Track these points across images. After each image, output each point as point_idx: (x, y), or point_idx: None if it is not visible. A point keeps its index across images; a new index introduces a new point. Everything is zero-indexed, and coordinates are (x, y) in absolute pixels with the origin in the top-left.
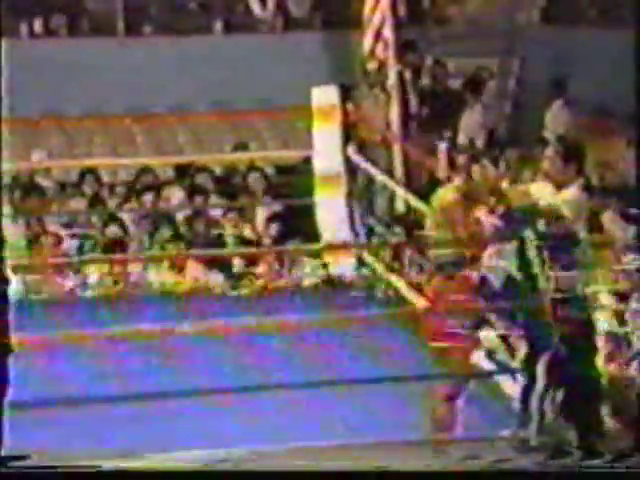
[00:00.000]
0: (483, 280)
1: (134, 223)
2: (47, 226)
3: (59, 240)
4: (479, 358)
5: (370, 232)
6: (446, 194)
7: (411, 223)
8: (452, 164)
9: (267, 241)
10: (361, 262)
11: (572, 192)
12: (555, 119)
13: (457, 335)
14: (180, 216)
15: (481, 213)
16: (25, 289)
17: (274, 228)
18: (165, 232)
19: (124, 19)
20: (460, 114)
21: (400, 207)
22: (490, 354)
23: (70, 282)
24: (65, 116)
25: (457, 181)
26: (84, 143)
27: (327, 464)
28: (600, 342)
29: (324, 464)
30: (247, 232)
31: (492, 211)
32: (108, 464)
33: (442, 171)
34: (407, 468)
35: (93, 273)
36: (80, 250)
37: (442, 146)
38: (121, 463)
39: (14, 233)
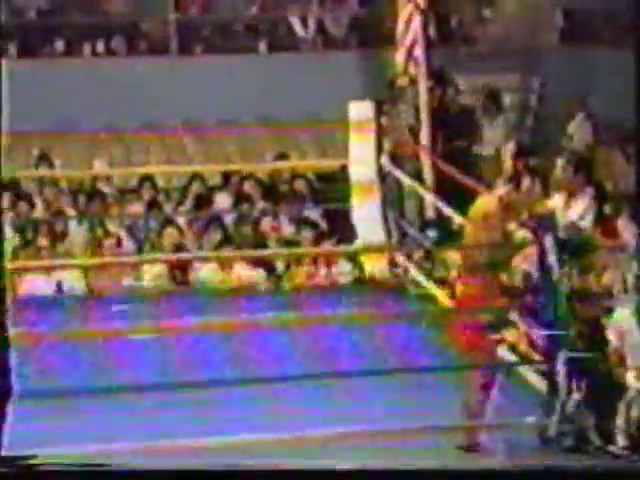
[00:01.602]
0: (510, 281)
1: (188, 226)
2: (109, 228)
3: (119, 241)
4: (503, 352)
5: (402, 235)
6: (488, 202)
7: (442, 227)
8: (515, 168)
9: (305, 242)
10: (393, 263)
11: (583, 205)
12: (579, 131)
13: (484, 332)
14: (228, 220)
15: (513, 226)
16: (86, 287)
17: (311, 230)
18: (216, 234)
19: (177, 40)
20: (484, 127)
21: (430, 212)
22: (513, 349)
23: (128, 280)
24: (124, 129)
25: (501, 191)
26: (141, 153)
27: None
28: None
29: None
30: (289, 234)
31: (523, 224)
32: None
33: (505, 171)
34: (418, 467)
35: (150, 272)
36: (139, 250)
37: (510, 147)
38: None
39: (79, 235)
